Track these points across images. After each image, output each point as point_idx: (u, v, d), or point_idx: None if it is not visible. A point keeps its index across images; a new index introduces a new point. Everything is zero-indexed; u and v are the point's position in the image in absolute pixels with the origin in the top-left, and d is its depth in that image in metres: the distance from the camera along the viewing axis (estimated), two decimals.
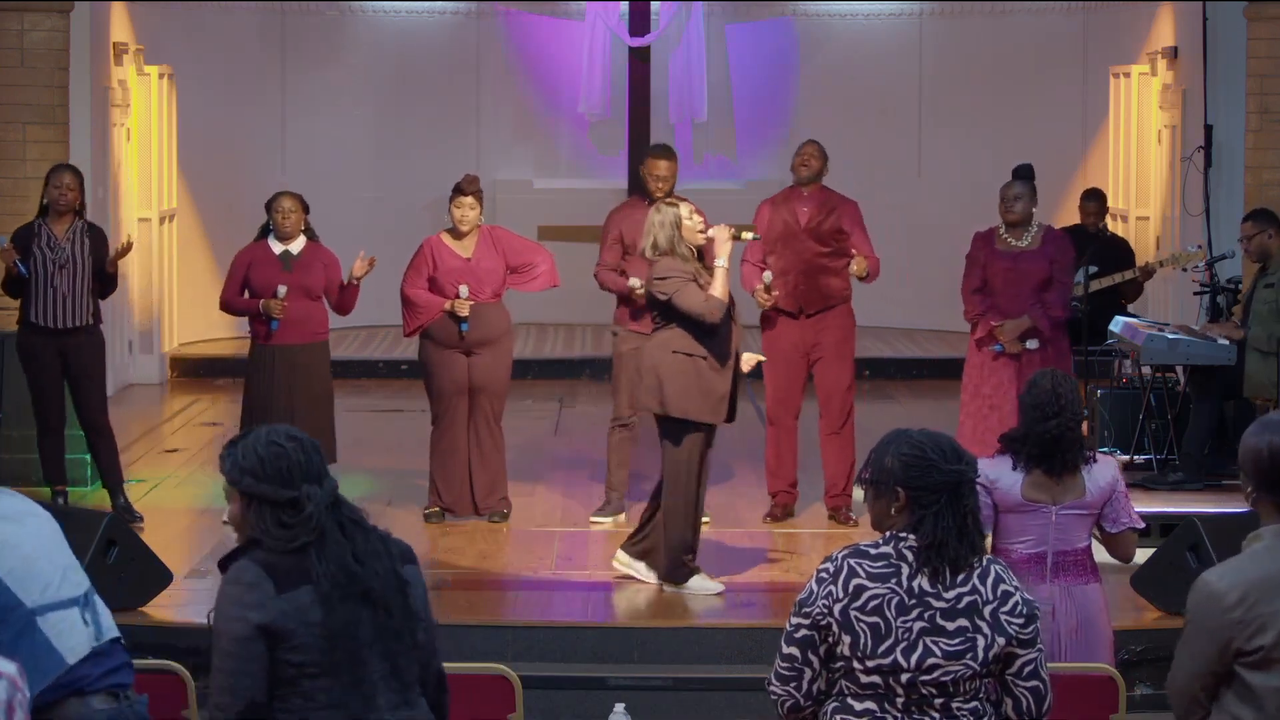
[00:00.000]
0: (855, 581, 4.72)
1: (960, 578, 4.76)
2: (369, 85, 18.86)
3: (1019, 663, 4.80)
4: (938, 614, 4.72)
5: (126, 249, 11.36)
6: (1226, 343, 11.19)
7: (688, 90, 19.14)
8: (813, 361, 11.14)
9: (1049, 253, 10.73)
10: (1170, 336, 11.29)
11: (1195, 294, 13.19)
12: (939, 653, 4.70)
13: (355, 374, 16.54)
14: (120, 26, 15.68)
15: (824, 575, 4.76)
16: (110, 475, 11.05)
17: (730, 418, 9.65)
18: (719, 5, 19.27)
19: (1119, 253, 13.61)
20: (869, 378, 16.28)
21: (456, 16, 19.19)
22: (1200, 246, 13.32)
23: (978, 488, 6.83)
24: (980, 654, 4.73)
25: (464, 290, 10.78)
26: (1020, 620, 4.78)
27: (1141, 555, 9.47)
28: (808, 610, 4.75)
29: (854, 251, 11.00)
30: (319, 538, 4.63)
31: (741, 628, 9.31)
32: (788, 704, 4.81)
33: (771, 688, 4.82)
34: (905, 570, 4.74)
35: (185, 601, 9.41)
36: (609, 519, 11.17)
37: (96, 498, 11.49)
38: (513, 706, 6.67)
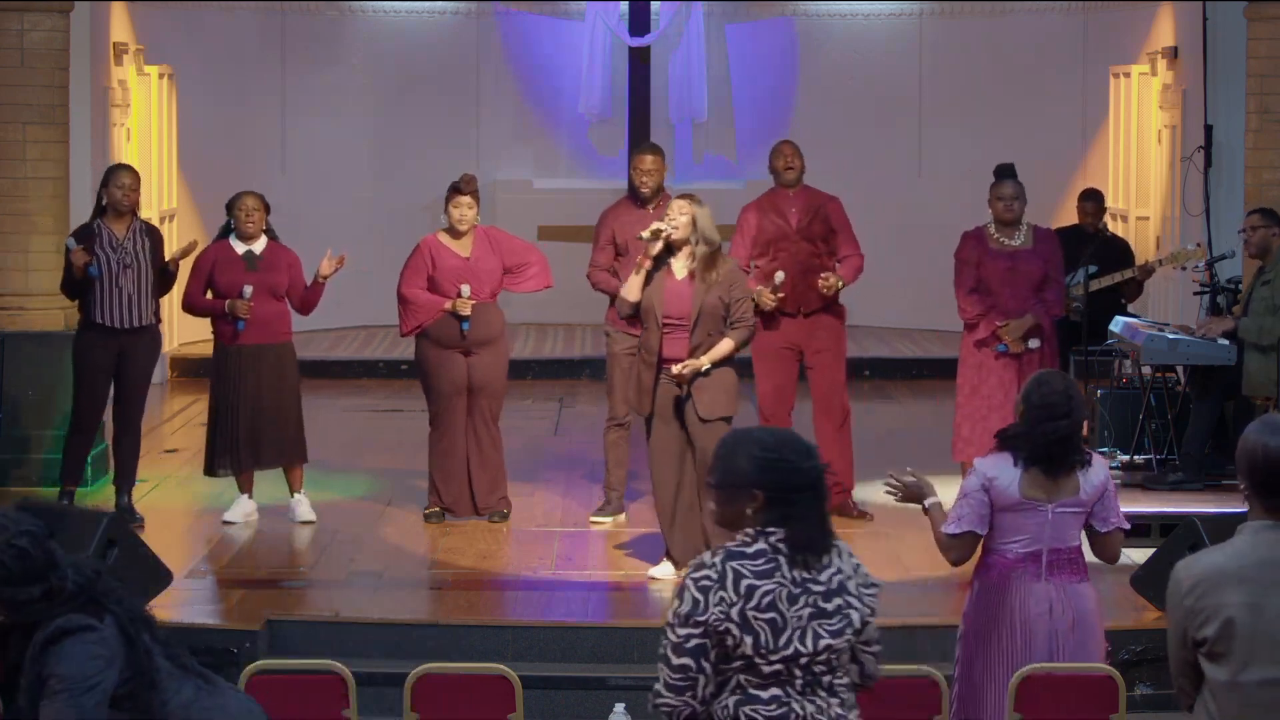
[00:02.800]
0: (745, 583, 4.83)
1: (826, 560, 4.94)
2: (369, 85, 18.86)
3: (868, 629, 5.01)
4: (819, 598, 4.89)
5: (191, 247, 11.36)
6: (1227, 343, 11.19)
7: (688, 90, 19.14)
8: (806, 359, 11.15)
9: (1043, 251, 10.76)
10: (1170, 336, 11.30)
11: (1195, 294, 13.19)
12: (826, 634, 4.87)
13: (355, 374, 16.55)
14: (120, 26, 15.68)
15: (707, 583, 4.82)
16: (125, 475, 11.04)
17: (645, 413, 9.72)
18: (719, 5, 19.26)
19: (1118, 253, 13.60)
20: (869, 377, 16.28)
21: (456, 16, 19.18)
22: (1199, 244, 13.32)
23: (976, 486, 6.89)
24: (855, 626, 4.94)
25: (466, 290, 10.78)
26: (873, 589, 5.03)
27: (1141, 555, 9.49)
28: (699, 620, 4.81)
29: (839, 255, 11.05)
30: (102, 590, 4.76)
31: None
32: (684, 713, 4.88)
33: (662, 700, 4.87)
34: (783, 563, 4.87)
35: (185, 601, 9.41)
36: (609, 519, 11.17)
37: (97, 497, 11.49)
38: (513, 706, 6.67)
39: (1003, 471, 6.85)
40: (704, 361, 9.52)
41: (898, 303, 17.84)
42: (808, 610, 4.86)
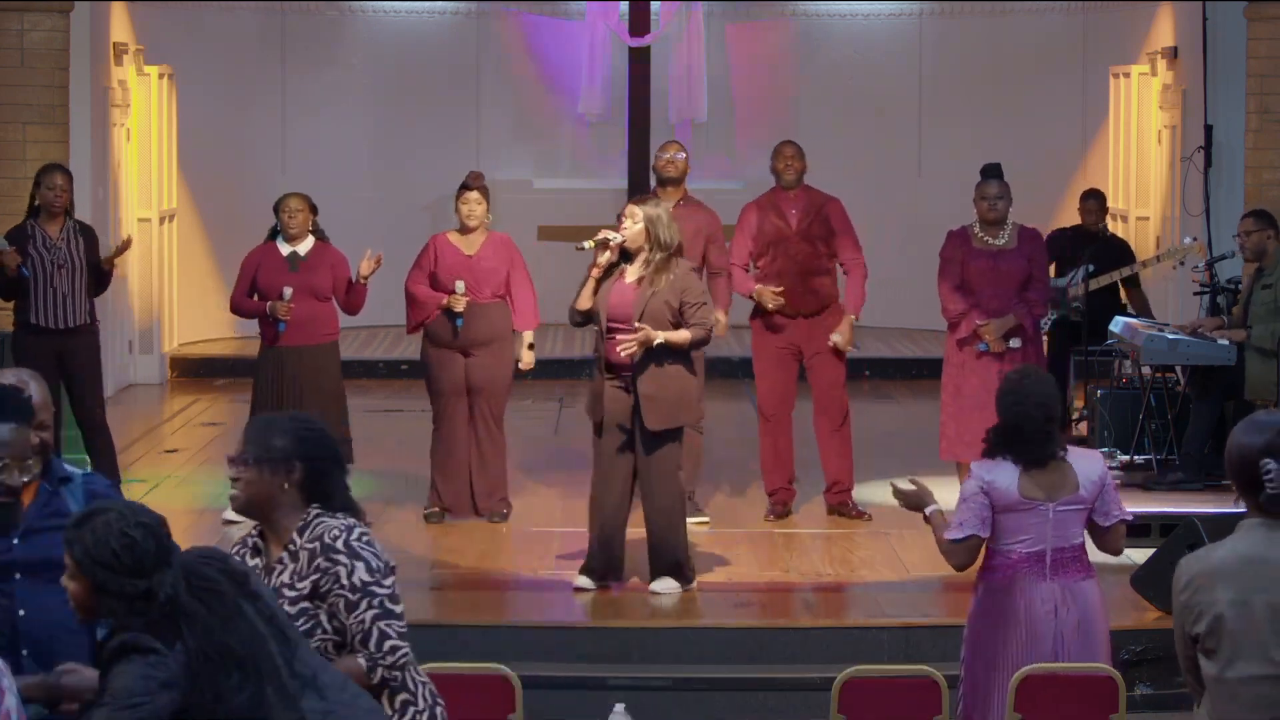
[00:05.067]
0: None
1: None
2: (369, 85, 18.86)
3: None
4: None
5: (125, 246, 11.36)
6: (1226, 343, 11.20)
7: (688, 90, 19.13)
8: (805, 359, 11.14)
9: (1027, 251, 10.77)
10: (1170, 336, 11.31)
11: (1195, 294, 13.19)
12: None
13: (355, 374, 16.51)
14: (120, 26, 15.68)
15: (369, 537, 5.17)
16: (110, 475, 11.04)
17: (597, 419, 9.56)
18: (719, 5, 19.26)
19: (1118, 253, 13.63)
20: (869, 378, 16.28)
21: (456, 16, 19.19)
22: (1195, 239, 13.32)
23: (975, 490, 6.89)
24: None
25: (460, 286, 10.78)
26: None
27: (1141, 555, 9.49)
28: (393, 567, 5.18)
29: (840, 259, 11.06)
30: (183, 613, 4.58)
31: (741, 628, 9.31)
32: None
33: (402, 651, 5.11)
34: None
35: None
36: None
37: None
38: (513, 706, 6.67)
39: (1000, 474, 6.85)
40: (658, 335, 9.22)
41: (897, 303, 17.82)
42: None
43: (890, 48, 19.02)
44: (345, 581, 5.03)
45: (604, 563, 9.62)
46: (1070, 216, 14.78)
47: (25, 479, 5.29)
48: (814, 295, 11.07)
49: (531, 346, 11.09)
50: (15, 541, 5.46)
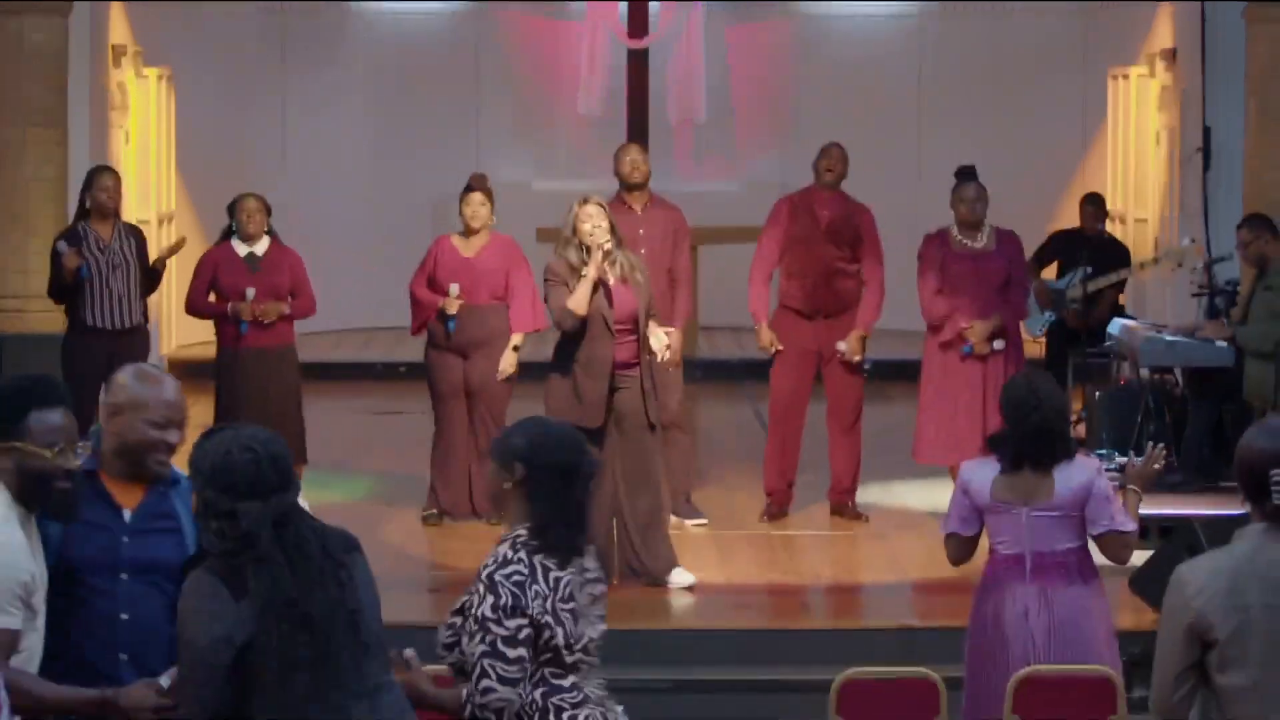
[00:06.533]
0: (552, 575, 5.07)
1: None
2: (369, 85, 18.87)
3: None
4: (590, 585, 5.23)
5: (178, 246, 11.36)
6: (1224, 345, 11.20)
7: (688, 90, 19.13)
8: (824, 362, 11.15)
9: (1007, 252, 10.82)
10: (1168, 339, 11.31)
11: (1194, 295, 13.20)
12: (596, 619, 5.26)
13: (355, 375, 16.55)
14: (119, 29, 15.69)
15: (520, 578, 5.03)
16: None
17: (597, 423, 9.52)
18: (719, 5, 19.27)
19: (1115, 255, 13.64)
20: (869, 378, 16.24)
21: (456, 17, 19.20)
22: (1194, 240, 13.33)
23: (958, 488, 6.94)
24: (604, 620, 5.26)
25: (454, 289, 10.79)
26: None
27: (1140, 557, 9.48)
28: (528, 612, 5.00)
29: (862, 270, 11.06)
30: (257, 556, 4.57)
31: (741, 629, 9.32)
32: (515, 706, 5.01)
33: (495, 695, 4.97)
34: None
35: None
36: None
37: None
38: None
39: (977, 474, 6.91)
40: (676, 332, 9.56)
41: (897, 304, 17.77)
42: (585, 599, 5.13)
43: (890, 48, 19.02)
44: (474, 611, 5.03)
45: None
46: (1070, 218, 14.78)
47: (79, 462, 5.24)
48: (835, 296, 11.08)
49: (516, 349, 11.01)
50: (125, 539, 5.34)
